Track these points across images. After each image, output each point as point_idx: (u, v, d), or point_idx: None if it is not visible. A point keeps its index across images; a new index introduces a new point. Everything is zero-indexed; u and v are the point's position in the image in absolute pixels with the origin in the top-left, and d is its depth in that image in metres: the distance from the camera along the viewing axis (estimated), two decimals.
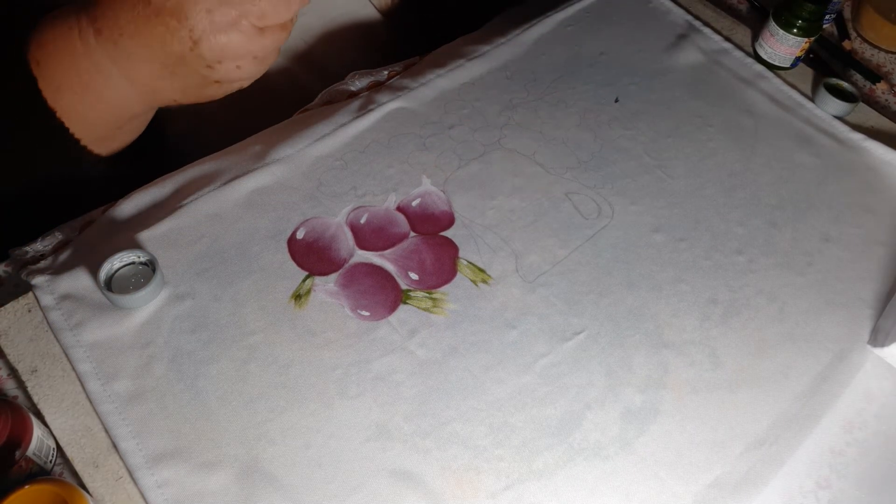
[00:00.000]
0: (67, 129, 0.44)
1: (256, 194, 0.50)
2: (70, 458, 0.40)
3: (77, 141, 0.45)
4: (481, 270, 0.49)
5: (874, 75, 0.66)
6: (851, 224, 0.54)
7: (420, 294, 0.47)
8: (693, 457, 0.42)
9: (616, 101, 0.60)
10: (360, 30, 0.64)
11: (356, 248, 0.49)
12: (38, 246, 0.47)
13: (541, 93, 0.59)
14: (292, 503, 0.39)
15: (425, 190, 0.52)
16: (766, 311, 0.49)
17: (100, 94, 0.44)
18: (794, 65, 0.63)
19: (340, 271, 0.48)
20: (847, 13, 0.73)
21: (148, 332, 0.44)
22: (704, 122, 0.59)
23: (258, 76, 0.45)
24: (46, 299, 0.44)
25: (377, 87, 0.58)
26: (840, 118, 0.60)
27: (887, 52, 0.69)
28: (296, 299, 0.46)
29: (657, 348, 0.46)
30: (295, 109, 0.56)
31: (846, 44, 0.69)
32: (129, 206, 0.49)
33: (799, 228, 0.53)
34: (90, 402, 0.41)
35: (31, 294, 0.44)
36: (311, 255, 0.48)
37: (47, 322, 0.43)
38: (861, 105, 0.61)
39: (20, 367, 0.42)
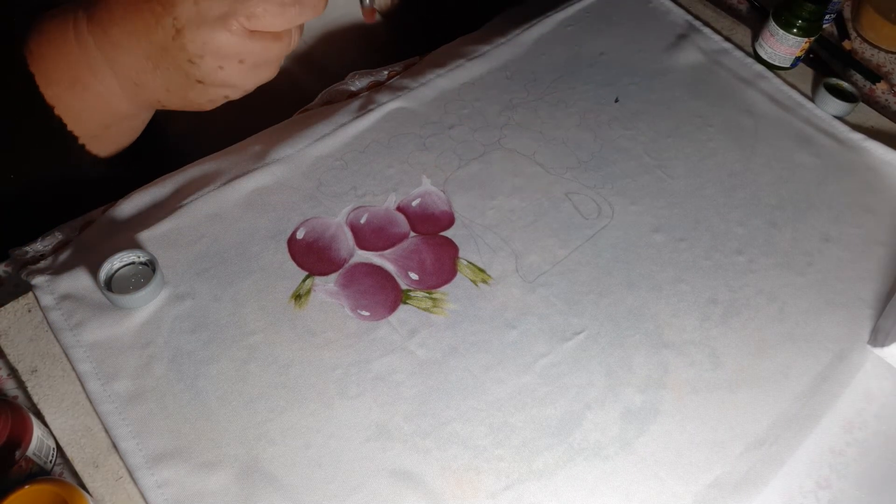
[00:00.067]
0: (65, 127, 0.44)
1: (256, 194, 0.50)
2: (70, 458, 0.40)
3: (74, 139, 0.45)
4: (481, 270, 0.49)
5: (874, 75, 0.66)
6: (851, 224, 0.54)
7: (420, 294, 0.47)
8: (693, 457, 0.42)
9: (616, 101, 0.60)
10: (360, 30, 0.64)
11: (356, 248, 0.49)
12: (38, 246, 0.47)
13: (541, 93, 0.59)
14: (292, 503, 0.39)
15: (425, 190, 0.52)
16: (766, 311, 0.49)
17: (87, 84, 0.43)
18: (794, 65, 0.63)
19: (340, 271, 0.48)
20: (847, 13, 0.73)
21: (148, 332, 0.44)
22: (704, 122, 0.59)
23: (246, 86, 0.44)
24: (46, 299, 0.44)
25: (377, 87, 0.58)
26: (840, 118, 0.60)
27: (887, 52, 0.69)
28: (296, 299, 0.46)
29: (657, 348, 0.46)
30: (295, 110, 0.56)
31: (846, 44, 0.69)
32: (129, 206, 0.49)
33: (799, 228, 0.53)
34: (90, 402, 0.41)
35: (31, 294, 0.44)
36: (311, 255, 0.48)
37: (47, 322, 0.43)
38: (861, 105, 0.61)
39: (20, 367, 0.42)
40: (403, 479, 0.40)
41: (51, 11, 0.44)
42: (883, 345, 0.46)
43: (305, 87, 0.59)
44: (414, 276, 0.48)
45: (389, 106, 0.56)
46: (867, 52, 0.70)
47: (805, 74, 0.64)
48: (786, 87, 0.62)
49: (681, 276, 0.50)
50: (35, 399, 0.41)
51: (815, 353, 0.47)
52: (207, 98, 0.44)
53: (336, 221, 0.50)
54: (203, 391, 0.42)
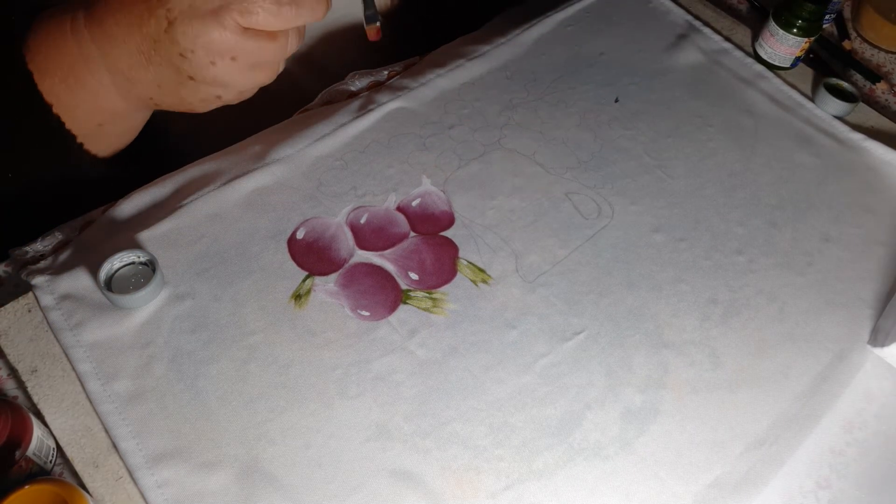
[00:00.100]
0: (63, 125, 0.44)
1: (256, 194, 0.50)
2: (70, 458, 0.40)
3: (73, 138, 0.45)
4: (481, 270, 0.49)
5: (874, 75, 0.66)
6: (851, 224, 0.54)
7: (420, 294, 0.47)
8: (693, 457, 0.42)
9: (616, 101, 0.60)
10: (360, 30, 0.64)
11: (356, 248, 0.49)
12: (38, 246, 0.47)
13: (541, 93, 0.59)
14: (292, 503, 0.39)
15: (425, 190, 0.52)
16: (766, 311, 0.49)
17: (79, 77, 0.43)
18: (794, 65, 0.63)
19: (340, 271, 0.48)
20: (847, 13, 0.73)
21: (148, 332, 0.44)
22: (704, 122, 0.59)
23: (239, 87, 0.44)
24: (46, 299, 0.44)
25: (377, 87, 0.58)
26: (840, 118, 0.60)
27: (887, 52, 0.69)
28: (296, 299, 0.46)
29: (657, 348, 0.46)
30: (295, 110, 0.56)
31: (846, 44, 0.69)
32: (129, 206, 0.49)
33: (799, 228, 0.53)
34: (90, 402, 0.41)
35: (31, 294, 0.44)
36: (311, 255, 0.48)
37: (47, 322, 0.43)
38: (861, 105, 0.61)
39: (20, 367, 0.42)
40: (403, 479, 0.40)
41: (50, 10, 0.44)
42: (883, 345, 0.46)
43: (305, 88, 0.59)
44: (414, 276, 0.48)
45: (389, 106, 0.56)
46: (867, 52, 0.70)
47: (805, 74, 0.64)
48: (786, 87, 0.62)
49: (681, 276, 0.50)
50: (35, 399, 0.41)
51: (815, 353, 0.47)
52: (199, 97, 0.44)
53: (336, 221, 0.50)
54: (203, 391, 0.42)
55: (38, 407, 0.41)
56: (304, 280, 0.47)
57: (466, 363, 0.45)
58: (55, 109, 0.44)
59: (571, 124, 0.58)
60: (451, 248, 0.50)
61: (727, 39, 0.65)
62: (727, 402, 0.45)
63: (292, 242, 0.49)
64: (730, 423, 0.44)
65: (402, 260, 0.49)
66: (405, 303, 0.47)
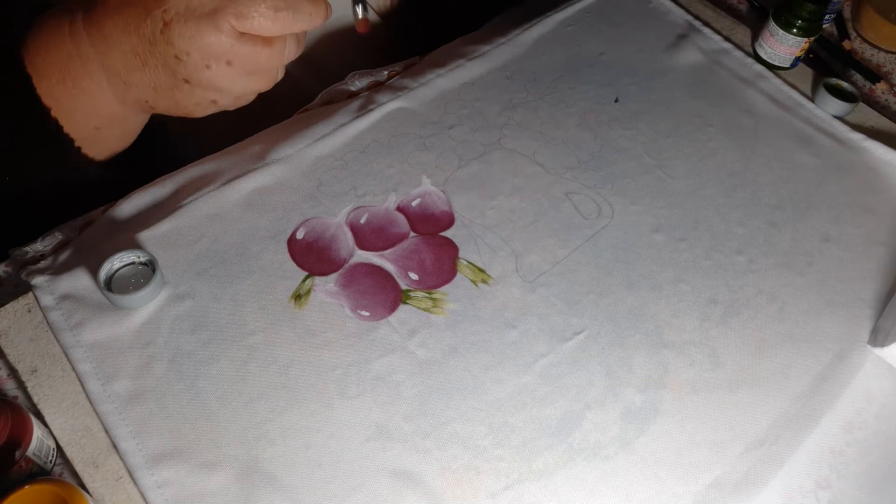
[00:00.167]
0: (61, 129, 0.44)
1: (256, 194, 0.50)
2: (70, 458, 0.40)
3: (71, 141, 0.45)
4: (481, 270, 0.49)
5: (874, 75, 0.66)
6: (851, 224, 0.54)
7: (420, 294, 0.47)
8: (693, 457, 0.42)
9: (616, 101, 0.60)
10: (359, 33, 0.64)
11: (356, 248, 0.49)
12: (38, 246, 0.47)
13: (541, 93, 0.59)
14: (292, 503, 0.39)
15: (425, 190, 0.52)
16: (766, 311, 0.49)
17: (76, 80, 0.43)
18: (794, 65, 0.63)
19: (340, 271, 0.48)
20: (847, 13, 0.73)
21: (148, 332, 0.44)
22: (704, 122, 0.59)
23: (235, 91, 0.44)
24: (46, 299, 0.44)
25: (377, 87, 0.58)
26: (840, 118, 0.60)
27: (887, 52, 0.69)
28: (296, 299, 0.46)
29: (657, 348, 0.46)
30: (294, 111, 0.56)
31: (846, 44, 0.69)
32: (129, 206, 0.49)
33: (799, 228, 0.53)
34: (90, 402, 0.41)
35: (31, 294, 0.44)
36: (311, 255, 0.48)
37: (47, 322, 0.43)
38: (861, 105, 0.61)
39: (20, 367, 0.42)
40: (403, 479, 0.40)
41: (50, 11, 0.44)
42: (883, 345, 0.46)
43: (305, 88, 0.59)
44: (414, 276, 0.48)
45: (389, 106, 0.56)
46: (867, 52, 0.70)
47: (805, 74, 0.64)
48: (786, 87, 0.62)
49: (681, 276, 0.50)
50: (35, 399, 0.41)
51: (815, 353, 0.47)
52: (195, 101, 0.44)
53: (336, 221, 0.50)
54: (203, 391, 0.42)
55: (38, 407, 0.41)
56: (304, 280, 0.47)
57: (466, 363, 0.45)
58: (53, 112, 0.44)
59: (571, 124, 0.58)
60: (451, 248, 0.50)
61: (727, 39, 0.65)
62: (727, 402, 0.45)
63: (292, 242, 0.49)
64: (730, 423, 0.44)
65: (402, 260, 0.49)
66: (405, 303, 0.47)
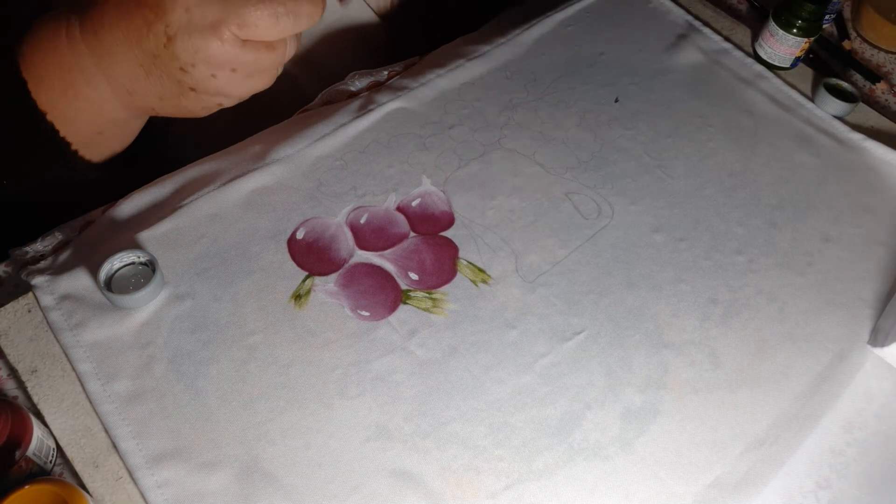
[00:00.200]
0: (57, 132, 0.44)
1: (256, 194, 0.50)
2: (70, 458, 0.40)
3: (68, 145, 0.45)
4: (481, 270, 0.49)
5: (874, 75, 0.66)
6: (851, 224, 0.54)
7: (420, 294, 0.47)
8: (693, 457, 0.42)
9: (616, 101, 0.60)
10: (359, 33, 0.64)
11: (356, 248, 0.49)
12: (38, 246, 0.47)
13: (541, 93, 0.59)
14: (292, 503, 0.39)
15: (425, 190, 0.52)
16: (766, 311, 0.49)
17: (79, 90, 0.43)
18: (794, 65, 0.63)
19: (340, 271, 0.48)
20: (847, 13, 0.73)
21: (148, 332, 0.44)
22: (704, 122, 0.59)
23: (240, 94, 0.44)
24: (46, 299, 0.44)
25: (377, 87, 0.58)
26: (840, 118, 0.60)
27: (887, 52, 0.69)
28: (296, 299, 0.46)
29: (657, 348, 0.46)
30: (294, 111, 0.56)
31: (846, 44, 0.69)
32: (129, 206, 0.49)
33: (799, 228, 0.53)
34: (90, 402, 0.41)
35: (31, 294, 0.44)
36: (311, 255, 0.48)
37: (47, 322, 0.43)
38: (861, 105, 0.61)
39: (20, 367, 0.42)
40: (403, 479, 0.40)
41: (43, 17, 0.44)
42: (883, 345, 0.46)
43: (305, 89, 0.59)
44: (414, 276, 0.48)
45: (389, 106, 0.56)
46: (867, 52, 0.70)
47: (805, 74, 0.64)
48: (786, 87, 0.62)
49: (681, 276, 0.50)
50: (35, 399, 0.41)
51: (815, 353, 0.47)
52: (201, 105, 0.44)
53: (336, 221, 0.50)
54: (203, 391, 0.42)
55: (38, 407, 0.41)
56: (304, 280, 0.47)
57: (466, 363, 0.45)
58: (55, 119, 0.44)
59: (571, 124, 0.58)
60: (451, 248, 0.50)
61: (727, 39, 0.65)
62: (727, 402, 0.45)
63: (292, 242, 0.49)
64: (730, 423, 0.44)
65: (402, 260, 0.49)
66: (405, 303, 0.47)
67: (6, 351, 0.43)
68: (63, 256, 0.46)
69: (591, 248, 0.51)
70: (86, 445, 0.40)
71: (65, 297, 0.44)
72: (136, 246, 0.46)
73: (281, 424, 0.41)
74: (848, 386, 0.46)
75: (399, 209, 0.51)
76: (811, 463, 0.43)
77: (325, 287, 0.47)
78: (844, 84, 0.61)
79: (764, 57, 0.63)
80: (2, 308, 0.44)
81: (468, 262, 0.49)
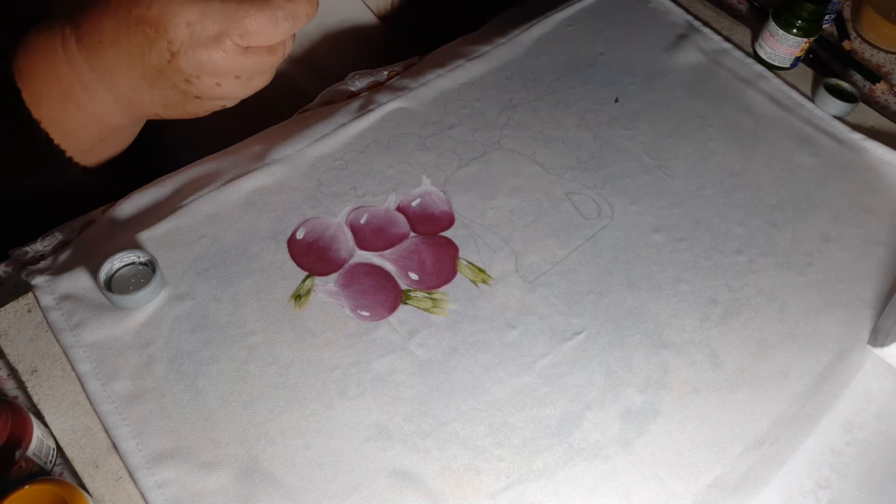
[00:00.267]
0: (52, 141, 0.44)
1: (256, 194, 0.50)
2: (70, 458, 0.40)
3: (62, 152, 0.45)
4: (481, 270, 0.49)
5: (874, 75, 0.66)
6: (851, 224, 0.54)
7: (420, 294, 0.47)
8: (693, 457, 0.42)
9: (616, 101, 0.60)
10: (358, 34, 0.64)
11: (356, 248, 0.49)
12: (38, 246, 0.47)
13: (541, 93, 0.59)
14: (292, 503, 0.39)
15: (425, 190, 0.52)
16: (766, 311, 0.49)
17: (80, 103, 0.43)
18: (793, 65, 0.63)
19: (340, 271, 0.48)
20: (847, 13, 0.73)
21: (148, 332, 0.44)
22: (704, 122, 0.59)
23: (243, 96, 0.44)
24: (46, 299, 0.44)
25: (377, 87, 0.58)
26: (840, 118, 0.60)
27: (887, 52, 0.69)
28: (296, 299, 0.46)
29: (657, 348, 0.46)
30: (294, 111, 0.56)
31: (846, 44, 0.69)
32: (129, 206, 0.49)
33: (799, 228, 0.53)
34: (90, 402, 0.41)
35: (31, 294, 0.44)
36: (311, 256, 0.48)
37: (47, 322, 0.43)
38: (861, 105, 0.61)
39: (20, 367, 0.42)
40: (403, 480, 0.40)
41: (37, 27, 0.43)
42: (883, 345, 0.46)
43: (305, 89, 0.59)
44: (414, 276, 0.48)
45: (389, 106, 0.56)
46: (867, 52, 0.70)
47: (805, 74, 0.64)
48: (786, 88, 0.62)
49: (681, 276, 0.50)
50: (35, 399, 0.41)
51: (815, 353, 0.47)
52: (204, 109, 0.45)
53: (336, 221, 0.50)
54: (203, 391, 0.42)
55: (38, 407, 0.41)
56: (304, 280, 0.47)
57: (466, 363, 0.45)
58: (55, 131, 0.44)
59: (571, 124, 0.58)
60: (451, 248, 0.50)
61: (727, 39, 0.65)
62: (727, 402, 0.45)
63: (292, 242, 0.49)
64: (730, 423, 0.44)
65: (402, 260, 0.49)
66: (405, 303, 0.47)
67: (6, 351, 0.43)
68: (63, 256, 0.46)
69: (591, 248, 0.51)
70: (86, 445, 0.40)
71: (65, 297, 0.44)
72: (136, 246, 0.46)
73: (281, 424, 0.41)
74: (848, 386, 0.46)
75: (399, 209, 0.51)
76: (811, 463, 0.43)
77: (325, 287, 0.47)
78: (844, 84, 0.61)
79: (764, 57, 0.63)
80: (2, 308, 0.44)
81: (468, 262, 0.49)
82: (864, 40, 0.70)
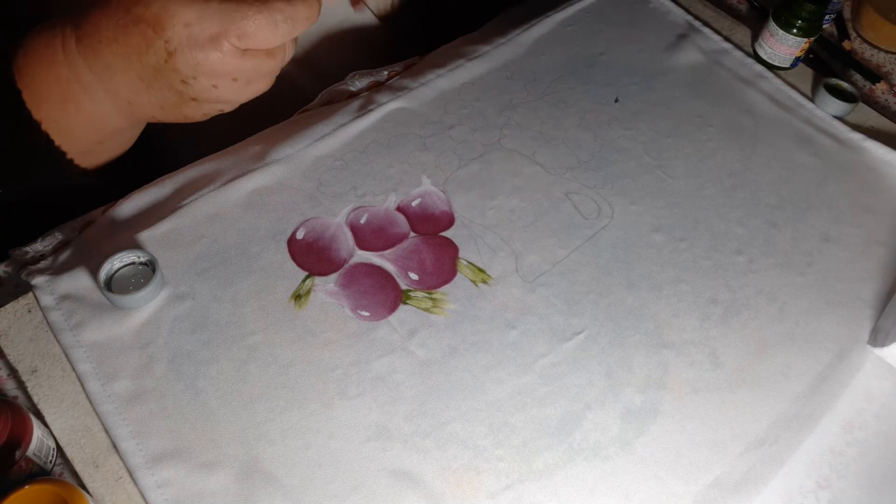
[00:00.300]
0: (52, 142, 0.44)
1: (256, 194, 0.50)
2: (70, 458, 0.40)
3: (62, 153, 0.45)
4: (481, 270, 0.49)
5: (874, 75, 0.66)
6: (851, 224, 0.54)
7: (420, 294, 0.47)
8: (693, 457, 0.42)
9: (616, 101, 0.60)
10: (358, 34, 0.64)
11: (356, 248, 0.49)
12: (38, 246, 0.47)
13: (541, 93, 0.59)
14: (292, 503, 0.39)
15: (425, 190, 0.52)
16: (766, 311, 0.49)
17: (79, 104, 0.43)
18: (793, 65, 0.63)
19: (340, 271, 0.48)
20: (847, 13, 0.73)
21: (148, 332, 0.44)
22: (704, 122, 0.59)
23: (241, 100, 0.44)
24: (46, 299, 0.44)
25: (377, 87, 0.58)
26: (840, 118, 0.60)
27: (887, 52, 0.69)
28: (296, 299, 0.46)
29: (657, 348, 0.46)
30: (294, 111, 0.56)
31: (846, 44, 0.69)
32: (129, 206, 0.49)
33: (799, 228, 0.53)
34: (90, 402, 0.41)
35: (31, 294, 0.44)
36: (311, 256, 0.48)
37: (47, 322, 0.43)
38: (861, 105, 0.61)
39: (20, 367, 0.42)
40: (403, 480, 0.40)
41: (37, 28, 0.43)
42: (883, 345, 0.46)
43: (305, 89, 0.59)
44: (414, 276, 0.48)
45: (389, 106, 0.56)
46: (867, 52, 0.70)
47: (805, 74, 0.64)
48: (786, 88, 0.62)
49: (681, 276, 0.50)
50: (35, 399, 0.41)
51: (815, 353, 0.47)
52: (202, 112, 0.45)
53: (336, 221, 0.50)
54: (203, 391, 0.42)
55: (38, 407, 0.41)
56: (304, 280, 0.47)
57: (466, 363, 0.45)
58: (54, 132, 0.44)
59: (571, 124, 0.58)
60: (451, 248, 0.50)
61: (727, 39, 0.65)
62: (727, 402, 0.45)
63: (292, 242, 0.49)
64: (730, 423, 0.44)
65: (402, 260, 0.49)
66: (405, 303, 0.47)
67: (6, 351, 0.43)
68: (63, 256, 0.46)
69: (591, 248, 0.51)
70: (86, 445, 0.40)
71: (65, 297, 0.44)
72: (136, 246, 0.46)
73: (281, 424, 0.41)
74: (848, 386, 0.46)
75: (399, 209, 0.51)
76: (811, 463, 0.43)
77: (325, 287, 0.47)
78: (844, 84, 0.61)
79: (764, 57, 0.63)
80: (2, 308, 0.44)
81: (468, 262, 0.49)
82: (864, 40, 0.70)
